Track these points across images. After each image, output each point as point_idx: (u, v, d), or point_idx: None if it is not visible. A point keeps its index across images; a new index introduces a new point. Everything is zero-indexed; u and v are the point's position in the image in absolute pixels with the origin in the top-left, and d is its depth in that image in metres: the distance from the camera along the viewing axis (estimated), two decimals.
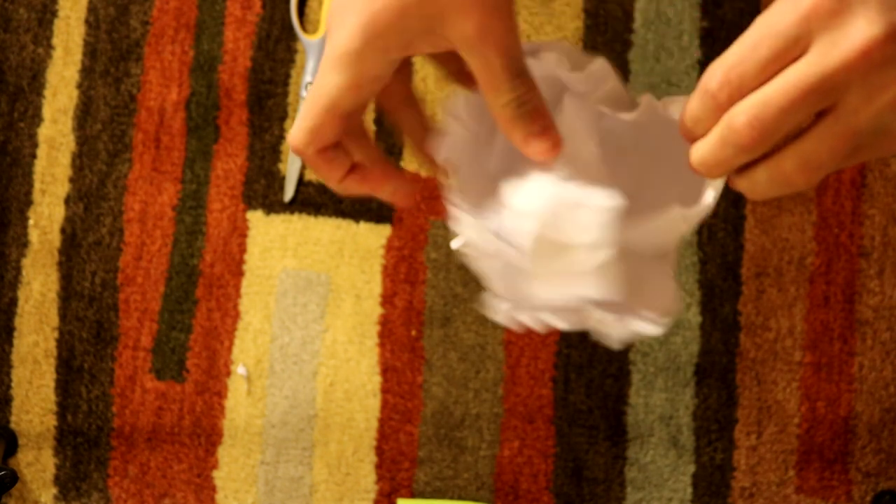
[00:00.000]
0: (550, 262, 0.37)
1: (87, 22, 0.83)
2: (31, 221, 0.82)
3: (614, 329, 0.38)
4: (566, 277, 0.37)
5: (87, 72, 0.82)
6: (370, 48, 0.36)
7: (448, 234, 0.80)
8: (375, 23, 0.36)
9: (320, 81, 0.38)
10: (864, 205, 0.80)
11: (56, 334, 0.81)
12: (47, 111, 0.82)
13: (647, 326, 0.37)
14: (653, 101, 0.39)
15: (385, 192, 0.43)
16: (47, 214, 0.81)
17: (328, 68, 0.37)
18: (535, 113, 0.37)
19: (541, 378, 0.79)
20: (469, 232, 0.38)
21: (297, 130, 0.40)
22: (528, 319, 0.39)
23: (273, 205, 0.81)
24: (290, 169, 0.81)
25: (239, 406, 0.80)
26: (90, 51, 0.82)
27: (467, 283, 0.80)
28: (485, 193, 0.39)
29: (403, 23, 0.36)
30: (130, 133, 0.82)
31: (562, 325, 0.39)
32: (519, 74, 0.37)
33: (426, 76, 0.81)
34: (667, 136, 0.40)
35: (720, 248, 0.80)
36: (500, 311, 0.39)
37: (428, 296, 0.80)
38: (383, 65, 0.37)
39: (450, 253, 0.80)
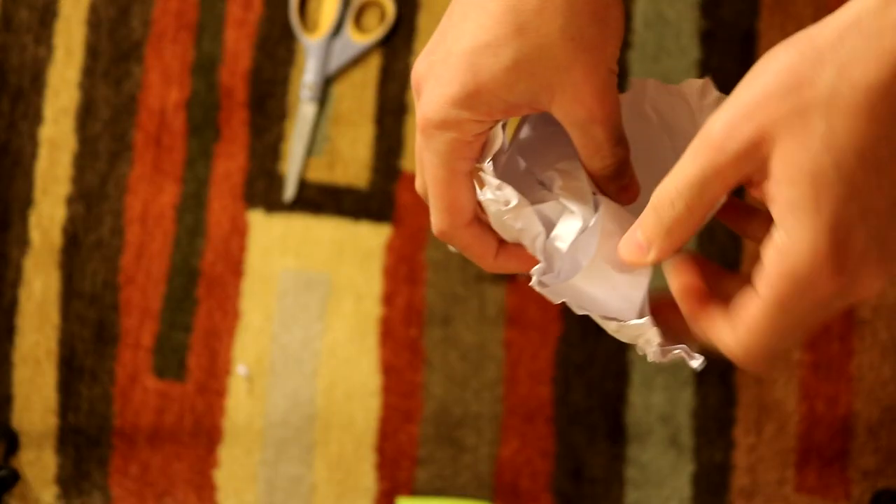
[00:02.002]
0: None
1: (88, 22, 0.83)
2: (32, 221, 0.82)
3: (651, 345, 0.37)
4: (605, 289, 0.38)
5: (88, 72, 0.82)
6: (469, 113, 0.35)
7: None
8: (479, 92, 0.35)
9: (427, 152, 0.37)
10: None
11: (57, 334, 0.81)
12: (48, 111, 0.82)
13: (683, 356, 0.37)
14: (642, 80, 0.40)
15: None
16: (48, 214, 0.82)
17: (430, 133, 0.36)
18: (627, 169, 0.38)
19: (541, 378, 0.80)
20: (503, 195, 0.37)
21: (434, 215, 0.39)
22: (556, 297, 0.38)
23: (273, 205, 0.81)
24: (291, 169, 0.81)
25: (239, 405, 0.80)
26: (91, 51, 0.83)
27: (467, 282, 0.80)
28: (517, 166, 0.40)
29: (509, 95, 0.35)
30: (131, 133, 0.82)
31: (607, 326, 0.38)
32: (619, 142, 0.37)
33: None
34: (646, 136, 0.40)
35: (720, 248, 0.80)
36: (534, 276, 0.38)
37: (428, 296, 0.80)
38: (484, 124, 0.36)
39: (450, 253, 0.80)
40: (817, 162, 0.31)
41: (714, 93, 0.39)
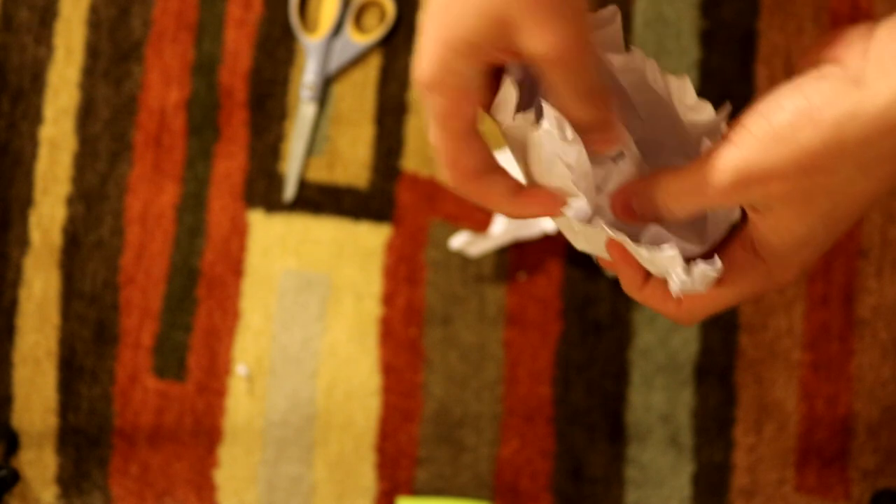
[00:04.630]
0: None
1: (88, 22, 0.83)
2: (32, 221, 0.82)
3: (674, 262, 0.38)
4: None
5: (88, 72, 0.82)
6: (449, 65, 0.37)
7: (448, 234, 0.80)
8: (449, 39, 0.37)
9: (427, 112, 0.39)
10: None
11: (57, 333, 0.81)
12: (49, 111, 0.82)
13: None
14: (643, 56, 0.40)
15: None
16: (49, 214, 0.82)
17: (423, 95, 0.38)
18: (610, 123, 0.39)
19: (541, 378, 0.80)
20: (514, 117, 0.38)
21: (443, 169, 0.40)
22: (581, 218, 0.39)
23: (273, 204, 0.81)
24: (291, 169, 0.81)
25: (239, 405, 0.80)
26: (91, 51, 0.83)
27: (467, 282, 0.80)
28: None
29: (474, 36, 0.36)
30: (131, 133, 0.82)
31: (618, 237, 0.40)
32: (596, 91, 0.37)
33: None
34: (651, 101, 0.40)
35: None
36: (573, 209, 0.39)
37: (428, 296, 0.80)
38: (463, 78, 0.38)
39: (450, 253, 0.80)
40: (811, 230, 0.36)
41: (692, 97, 0.39)
